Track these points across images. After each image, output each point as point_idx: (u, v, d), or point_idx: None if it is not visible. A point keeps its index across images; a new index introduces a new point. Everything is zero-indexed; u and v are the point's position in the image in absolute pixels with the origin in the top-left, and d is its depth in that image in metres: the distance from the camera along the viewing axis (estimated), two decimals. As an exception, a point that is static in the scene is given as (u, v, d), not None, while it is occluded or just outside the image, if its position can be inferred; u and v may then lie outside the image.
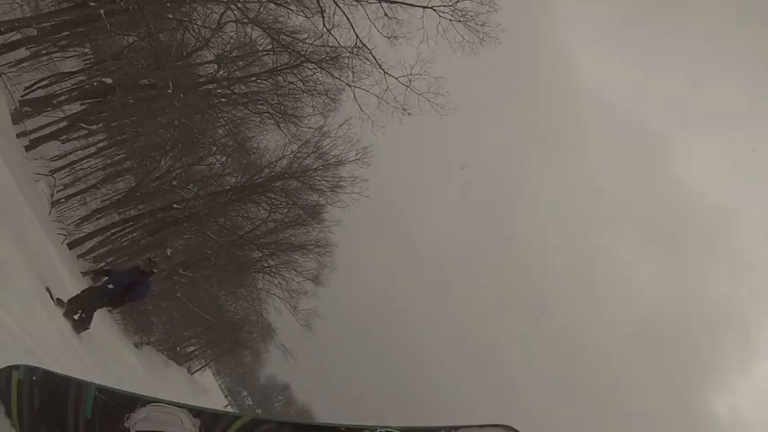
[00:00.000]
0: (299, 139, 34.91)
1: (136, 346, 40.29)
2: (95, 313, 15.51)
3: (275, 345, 53.32)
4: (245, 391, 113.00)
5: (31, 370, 4.35)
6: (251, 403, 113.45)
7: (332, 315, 52.88)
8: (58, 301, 14.46)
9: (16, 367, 4.37)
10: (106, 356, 17.35)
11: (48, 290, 14.22)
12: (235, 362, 72.16)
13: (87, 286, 17.04)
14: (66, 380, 4.37)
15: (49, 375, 4.39)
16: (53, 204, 31.98)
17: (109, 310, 30.40)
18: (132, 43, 30.53)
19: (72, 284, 23.18)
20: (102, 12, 26.32)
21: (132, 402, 4.26)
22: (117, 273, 16.39)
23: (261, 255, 42.54)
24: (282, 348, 51.82)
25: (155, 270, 15.92)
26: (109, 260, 37.74)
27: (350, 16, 28.00)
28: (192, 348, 60.65)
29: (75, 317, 14.72)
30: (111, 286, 14.95)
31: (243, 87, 32.80)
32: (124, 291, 15.01)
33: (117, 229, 38.28)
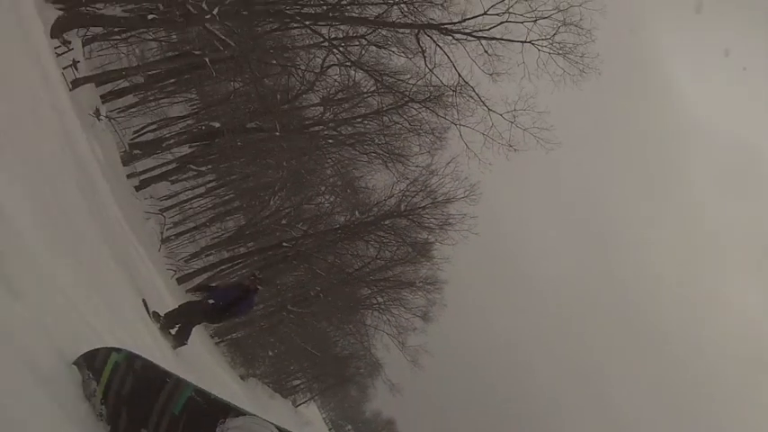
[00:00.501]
0: (407, 178, 34.92)
1: (242, 377, 40.66)
2: (194, 330, 14.97)
3: (382, 380, 53.32)
4: (350, 425, 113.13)
5: (133, 357, 4.38)
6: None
7: (440, 351, 52.36)
8: (154, 315, 13.84)
9: (118, 350, 4.41)
10: (203, 375, 16.61)
11: (144, 302, 13.71)
12: (340, 396, 72.43)
13: (186, 301, 16.47)
14: (166, 374, 4.37)
15: (149, 366, 4.41)
16: (163, 241, 32.70)
17: (206, 326, 30.53)
18: (238, 88, 30.98)
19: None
20: (206, 59, 26.82)
21: (226, 410, 4.29)
22: (220, 288, 15.49)
23: (370, 292, 42.66)
24: (389, 384, 51.73)
25: (259, 287, 14.97)
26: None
27: (450, 55, 27.68)
28: (298, 382, 61.21)
29: (172, 331, 14.04)
30: (212, 301, 14.05)
31: (349, 128, 32.91)
32: (226, 306, 14.09)
33: (226, 266, 38.82)
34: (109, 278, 10.57)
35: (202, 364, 19.40)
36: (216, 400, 4.32)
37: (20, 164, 7.34)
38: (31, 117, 9.61)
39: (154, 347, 11.17)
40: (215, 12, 22.67)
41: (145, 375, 4.32)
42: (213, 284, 18.66)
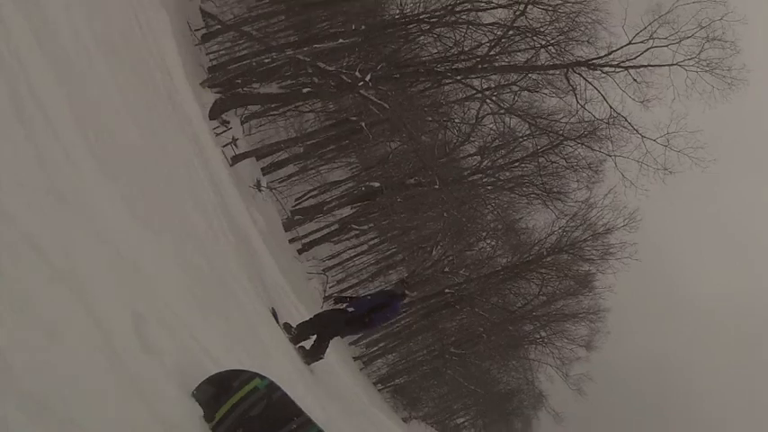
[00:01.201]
0: (567, 214, 35.23)
1: (404, 420, 41.23)
2: (331, 343, 13.35)
3: (546, 411, 53.28)
4: None
5: (274, 387, 4.48)
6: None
7: (604, 378, 51.72)
8: (285, 326, 12.59)
9: (262, 377, 4.51)
10: (342, 397, 15.29)
11: (273, 311, 12.59)
12: (505, 430, 72.13)
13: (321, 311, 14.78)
14: (298, 410, 4.47)
15: (286, 400, 4.51)
16: (325, 299, 33.65)
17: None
18: (396, 148, 31.98)
19: (341, 368, 23.85)
20: (363, 124, 27.94)
21: None
22: (361, 298, 14.02)
23: (533, 327, 42.91)
24: (553, 414, 51.61)
25: (407, 292, 13.39)
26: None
27: (600, 89, 28.28)
28: (461, 420, 61.39)
29: (306, 345, 12.68)
30: (351, 309, 12.58)
31: (507, 173, 33.50)
32: (366, 313, 12.46)
33: (389, 316, 39.55)
34: (266, 340, 10.08)
35: (345, 390, 17.72)
36: None
37: (176, 236, 7.51)
38: (190, 194, 9.68)
39: (287, 363, 10.46)
40: (368, 78, 23.81)
41: (277, 406, 4.42)
42: (352, 296, 16.15)
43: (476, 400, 52.39)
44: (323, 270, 34.66)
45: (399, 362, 43.92)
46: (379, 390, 40.17)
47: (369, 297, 13.62)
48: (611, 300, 40.91)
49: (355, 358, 36.78)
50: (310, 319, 13.13)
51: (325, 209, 33.16)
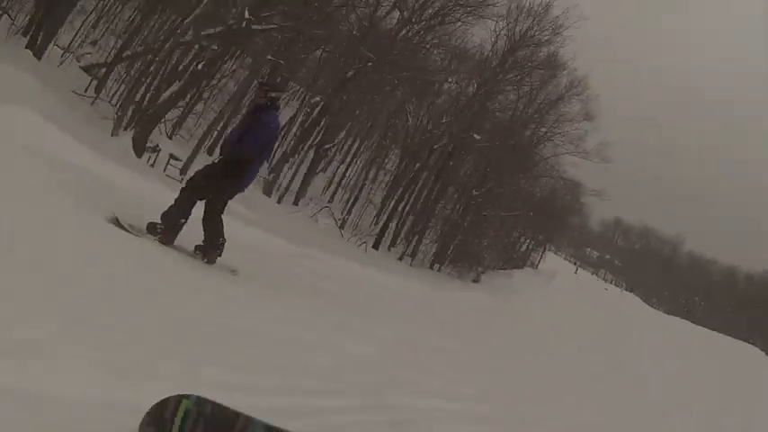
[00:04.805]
0: (501, 15, 35.93)
1: (474, 281, 41.67)
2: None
3: (587, 194, 54.73)
4: (588, 248, 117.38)
5: (202, 402, 4.09)
6: (597, 254, 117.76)
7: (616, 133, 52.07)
8: (149, 228, 8.79)
9: (187, 396, 4.13)
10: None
11: (115, 220, 8.28)
12: (565, 231, 73.97)
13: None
14: (236, 415, 4.04)
15: (219, 409, 4.07)
16: (342, 227, 32.96)
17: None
18: (321, 55, 31.58)
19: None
20: (269, 56, 27.00)
21: None
22: (226, 138, 10.35)
23: (532, 129, 43.92)
24: (594, 193, 53.55)
25: (273, 95, 9.39)
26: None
27: None
28: (524, 247, 62.80)
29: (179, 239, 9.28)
30: (221, 157, 9.61)
31: (429, 11, 32.63)
32: (238, 145, 9.31)
33: (407, 200, 39.55)
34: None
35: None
36: None
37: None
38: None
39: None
40: (246, 14, 21.99)
41: (215, 419, 4.03)
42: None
43: (525, 221, 52.83)
44: (326, 205, 34.04)
45: (439, 235, 43.75)
46: (437, 269, 40.28)
47: (233, 131, 10.31)
48: (583, 66, 41.34)
49: (399, 258, 36.77)
50: (175, 199, 9.23)
51: (287, 151, 32.19)
